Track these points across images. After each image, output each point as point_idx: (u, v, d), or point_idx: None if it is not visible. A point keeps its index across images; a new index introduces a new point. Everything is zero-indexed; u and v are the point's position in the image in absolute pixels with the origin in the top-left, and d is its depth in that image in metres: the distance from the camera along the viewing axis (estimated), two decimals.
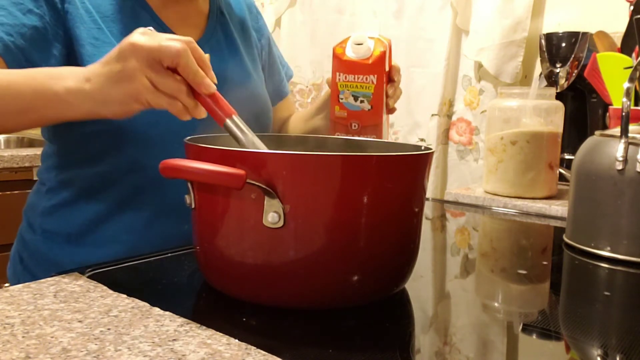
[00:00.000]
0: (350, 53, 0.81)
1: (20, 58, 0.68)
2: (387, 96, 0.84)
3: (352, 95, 0.82)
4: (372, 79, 0.80)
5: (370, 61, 0.80)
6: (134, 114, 0.59)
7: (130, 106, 0.58)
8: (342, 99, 0.83)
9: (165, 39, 0.56)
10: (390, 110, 0.87)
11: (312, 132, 0.97)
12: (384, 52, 0.80)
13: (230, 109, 0.59)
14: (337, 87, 0.83)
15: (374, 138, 0.83)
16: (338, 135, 0.85)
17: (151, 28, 0.59)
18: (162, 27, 0.79)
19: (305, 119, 1.01)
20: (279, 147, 0.69)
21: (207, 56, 0.59)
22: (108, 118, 0.61)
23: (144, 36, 0.56)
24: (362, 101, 0.81)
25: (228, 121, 0.59)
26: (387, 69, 0.82)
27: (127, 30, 0.75)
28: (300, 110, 1.79)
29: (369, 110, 0.82)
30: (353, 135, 0.83)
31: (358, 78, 0.81)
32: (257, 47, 0.96)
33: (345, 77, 0.82)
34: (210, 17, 0.87)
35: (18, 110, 0.62)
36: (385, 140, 0.75)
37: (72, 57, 0.72)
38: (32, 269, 0.81)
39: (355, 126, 0.83)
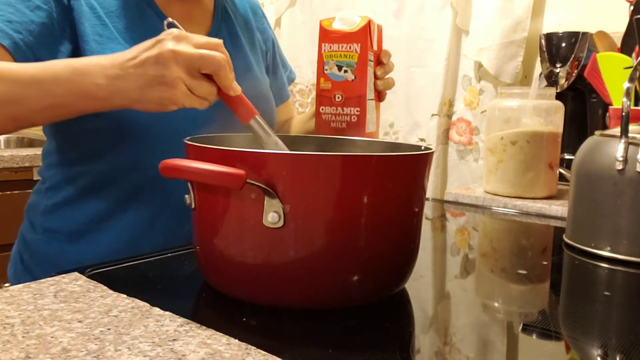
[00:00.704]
0: (337, 25, 0.83)
1: (30, 56, 0.68)
2: (376, 77, 0.85)
3: (337, 65, 0.83)
4: (355, 47, 0.82)
5: (354, 30, 0.82)
6: (167, 111, 0.62)
7: (166, 107, 0.61)
8: (326, 69, 0.84)
9: (201, 44, 0.59)
10: (380, 95, 0.88)
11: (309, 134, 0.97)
12: (368, 23, 0.82)
13: (253, 109, 0.63)
14: (322, 59, 0.84)
15: (357, 111, 0.83)
16: (322, 109, 0.85)
17: (179, 26, 0.61)
18: None
19: (303, 122, 1.02)
20: (295, 147, 0.71)
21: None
22: (139, 110, 0.63)
23: (181, 43, 0.58)
24: (345, 71, 0.83)
25: (252, 121, 0.62)
26: (374, 47, 0.84)
27: (132, 26, 0.75)
28: (301, 110, 1.80)
29: (352, 80, 0.83)
30: (337, 108, 0.84)
31: (342, 47, 0.82)
32: (261, 48, 0.96)
33: (330, 47, 0.83)
34: (215, 16, 0.87)
35: (46, 107, 0.62)
36: (385, 140, 0.75)
37: (77, 53, 0.72)
38: (32, 270, 0.81)
39: (339, 97, 0.84)
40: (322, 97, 0.86)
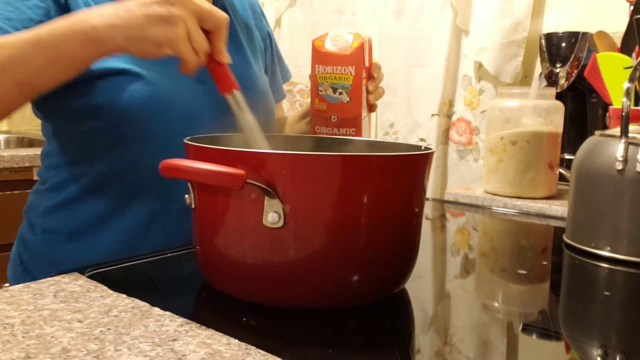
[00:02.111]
0: (329, 45, 0.82)
1: None
2: (368, 92, 0.84)
3: (331, 87, 0.82)
4: (350, 70, 0.81)
5: (348, 52, 0.81)
6: (160, 57, 0.61)
7: (161, 49, 0.60)
8: (321, 91, 0.83)
9: (210, 5, 0.61)
10: (371, 107, 0.88)
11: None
12: (362, 44, 0.81)
13: (235, 82, 0.65)
14: (316, 80, 0.83)
15: (353, 131, 0.83)
16: (318, 128, 0.85)
17: None
18: None
19: (291, 122, 1.02)
20: (294, 147, 0.72)
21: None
22: (134, 55, 0.62)
23: None
24: (340, 93, 0.82)
25: (230, 95, 0.64)
26: (366, 63, 0.83)
27: None
28: (300, 109, 1.80)
29: (347, 102, 0.82)
30: (332, 128, 0.84)
31: (336, 69, 0.81)
32: (260, 47, 0.96)
33: (324, 69, 0.82)
34: None
35: (45, 64, 0.60)
36: (385, 140, 0.75)
37: None
38: (32, 270, 0.81)
39: (334, 119, 0.83)
40: (317, 118, 0.85)
